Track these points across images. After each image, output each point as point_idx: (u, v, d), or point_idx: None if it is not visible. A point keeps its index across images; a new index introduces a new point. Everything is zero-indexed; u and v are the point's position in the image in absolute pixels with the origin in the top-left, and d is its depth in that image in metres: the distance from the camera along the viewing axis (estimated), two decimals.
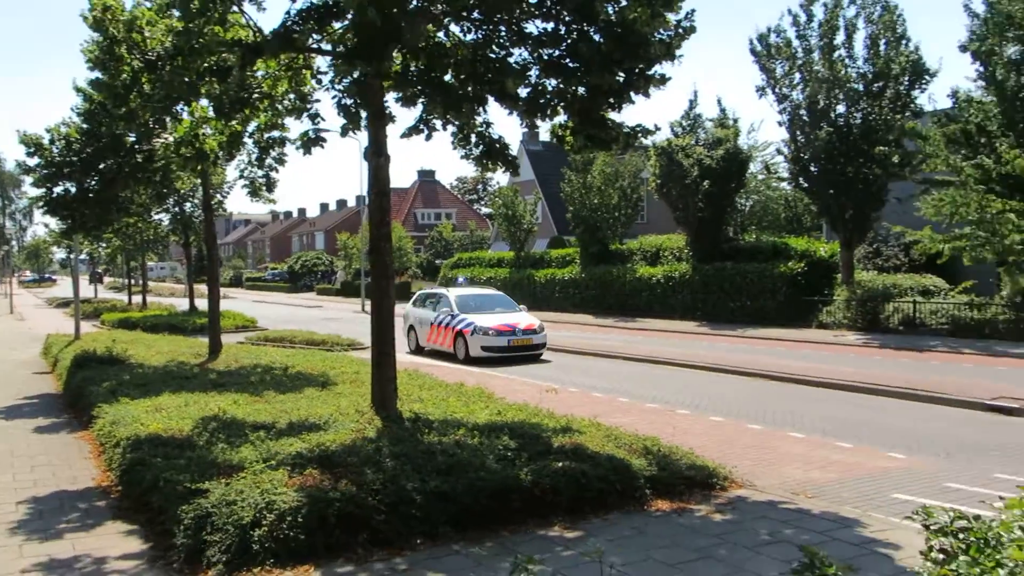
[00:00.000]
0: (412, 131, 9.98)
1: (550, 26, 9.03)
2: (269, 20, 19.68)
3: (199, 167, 14.76)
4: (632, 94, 9.10)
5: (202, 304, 26.21)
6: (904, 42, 25.26)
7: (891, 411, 12.84)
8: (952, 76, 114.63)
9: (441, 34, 9.69)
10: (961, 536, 3.91)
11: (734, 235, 32.75)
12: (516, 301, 23.13)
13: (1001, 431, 11.30)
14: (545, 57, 9.18)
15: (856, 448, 10.18)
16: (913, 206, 23.72)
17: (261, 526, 6.01)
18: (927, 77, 25.26)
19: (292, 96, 11.72)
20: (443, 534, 6.49)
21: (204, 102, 11.83)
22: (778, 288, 27.59)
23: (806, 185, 27.35)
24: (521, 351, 19.71)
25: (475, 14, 9.14)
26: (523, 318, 20.66)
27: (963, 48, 22.26)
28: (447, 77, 9.50)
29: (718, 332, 26.27)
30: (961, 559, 3.66)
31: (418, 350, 21.96)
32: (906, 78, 25.14)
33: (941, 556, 3.84)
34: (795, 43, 26.33)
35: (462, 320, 20.16)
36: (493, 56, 9.32)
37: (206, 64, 9.20)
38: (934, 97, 29.55)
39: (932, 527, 4.02)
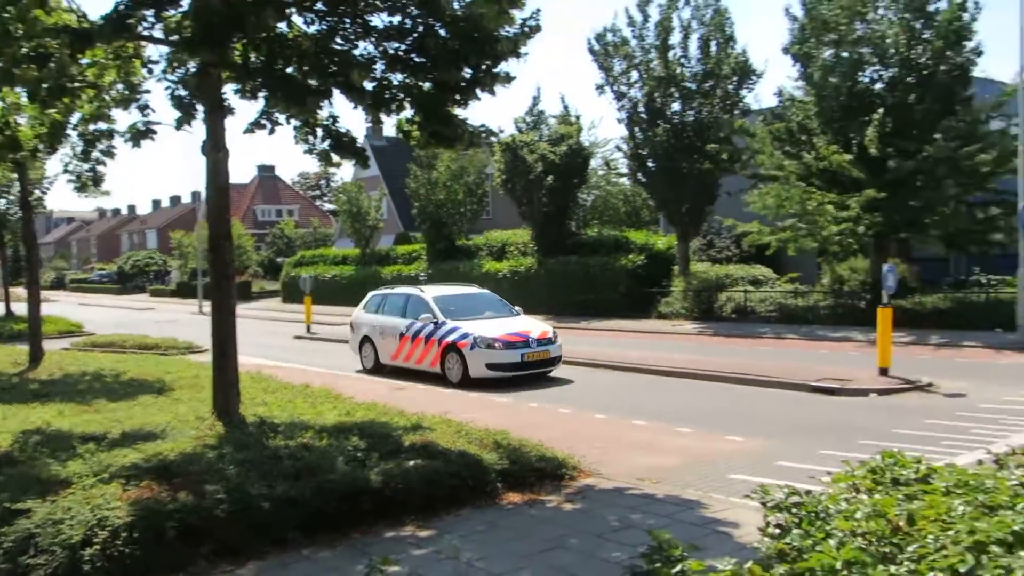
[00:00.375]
0: (255, 126, 9.60)
1: (396, 20, 8.93)
2: (93, 5, 18.37)
3: (12, 158, 13.67)
4: (478, 91, 9.13)
5: (20, 309, 24.37)
6: (732, 44, 26.62)
7: (726, 395, 13.51)
8: (779, 76, 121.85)
9: (283, 25, 9.37)
10: (795, 511, 4.13)
11: (577, 229, 33.54)
12: (360, 300, 19.29)
13: (824, 410, 12.10)
14: (391, 51, 9.06)
15: (696, 432, 10.64)
16: (743, 200, 25.05)
17: (92, 545, 5.62)
18: (754, 77, 26.76)
19: (120, 86, 11.04)
20: (292, 540, 6.30)
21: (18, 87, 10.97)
22: (620, 280, 28.46)
23: (644, 180, 28.40)
24: (536, 368, 15.54)
25: (319, 5, 8.91)
26: (531, 324, 16.41)
27: (785, 51, 23.72)
28: (290, 69, 9.21)
29: (564, 325, 26.80)
30: (795, 532, 3.84)
31: (377, 368, 17.47)
32: (735, 78, 26.53)
33: (777, 531, 4.04)
34: (632, 42, 27.22)
35: (453, 330, 15.57)
36: (338, 48, 9.11)
37: (24, 50, 8.52)
38: (759, 96, 31.55)
39: (769, 504, 4.23)
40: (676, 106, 27.10)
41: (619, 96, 27.82)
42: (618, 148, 30.18)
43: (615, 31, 27.38)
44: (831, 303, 23.54)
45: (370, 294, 18.92)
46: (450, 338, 15.53)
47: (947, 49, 21.16)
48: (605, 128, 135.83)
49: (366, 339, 17.83)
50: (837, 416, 11.62)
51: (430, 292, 17.06)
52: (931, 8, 21.51)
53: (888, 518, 3.76)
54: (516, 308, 17.56)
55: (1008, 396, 12.32)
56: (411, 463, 7.29)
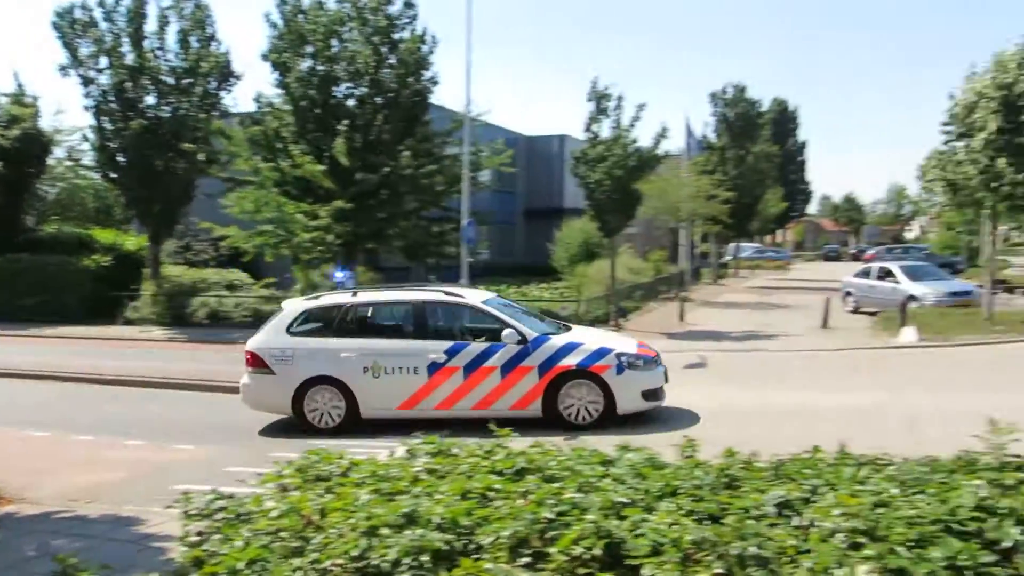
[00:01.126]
0: None
1: None
2: None
3: None
4: None
5: None
6: (215, 43, 25.94)
7: (184, 404, 13.19)
8: (261, 81, 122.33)
9: None
10: (218, 516, 4.11)
11: (35, 225, 30.07)
12: None
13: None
14: None
15: (146, 444, 10.19)
16: (221, 203, 24.58)
17: None
18: (233, 79, 26.35)
19: None
20: None
21: None
22: (82, 283, 26.10)
23: (114, 176, 26.32)
24: None
25: None
26: (622, 335, 12.61)
27: (265, 57, 23.85)
28: None
29: (9, 332, 23.60)
30: (214, 538, 3.83)
31: (354, 422, 10.99)
32: (214, 77, 25.89)
33: (197, 538, 3.98)
34: (103, 25, 25.03)
35: (569, 347, 10.76)
36: None
37: None
38: (239, 99, 31.42)
39: (191, 512, 4.15)
40: (151, 99, 25.52)
41: (86, 81, 25.35)
42: (85, 138, 27.49)
43: (85, 9, 24.91)
44: None
45: (296, 307, 12.62)
46: (568, 360, 10.61)
47: (408, 76, 23.25)
48: (76, 115, 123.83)
49: (317, 381, 11.16)
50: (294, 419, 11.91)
51: (476, 295, 11.93)
52: (396, 36, 23.43)
53: (303, 513, 3.92)
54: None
55: None
56: None
